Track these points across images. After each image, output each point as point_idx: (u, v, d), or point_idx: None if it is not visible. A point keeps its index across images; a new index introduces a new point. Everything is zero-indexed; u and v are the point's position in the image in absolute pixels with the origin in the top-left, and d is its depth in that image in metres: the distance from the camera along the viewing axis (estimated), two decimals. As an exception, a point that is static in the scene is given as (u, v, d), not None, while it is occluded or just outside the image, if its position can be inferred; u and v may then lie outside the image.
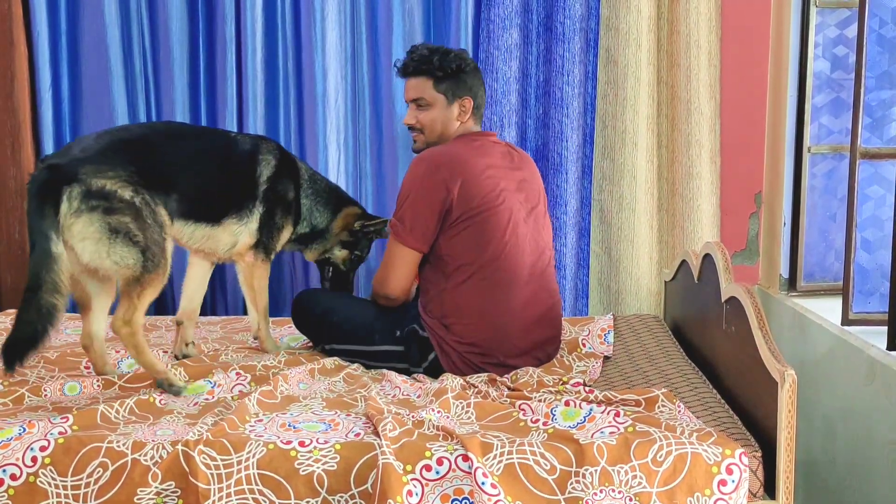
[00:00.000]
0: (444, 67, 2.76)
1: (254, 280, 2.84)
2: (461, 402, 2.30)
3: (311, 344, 2.95)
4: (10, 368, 2.32)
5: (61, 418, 2.14)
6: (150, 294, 2.49)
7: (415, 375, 2.64)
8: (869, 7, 2.79)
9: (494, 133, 2.92)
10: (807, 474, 2.92)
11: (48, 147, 3.47)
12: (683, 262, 3.01)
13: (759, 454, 2.05)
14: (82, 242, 2.38)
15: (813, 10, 3.25)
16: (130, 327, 2.45)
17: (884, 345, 2.51)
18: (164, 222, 2.52)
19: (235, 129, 3.47)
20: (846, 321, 2.81)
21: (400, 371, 2.67)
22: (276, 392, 2.39)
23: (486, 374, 2.60)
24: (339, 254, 3.05)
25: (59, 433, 2.07)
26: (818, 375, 2.87)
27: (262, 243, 2.82)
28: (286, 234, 2.91)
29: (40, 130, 3.48)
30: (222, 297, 3.61)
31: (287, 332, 3.12)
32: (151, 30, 3.49)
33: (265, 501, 1.96)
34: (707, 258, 2.66)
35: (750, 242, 3.65)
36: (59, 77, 3.48)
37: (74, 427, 2.11)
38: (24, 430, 2.09)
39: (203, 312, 3.55)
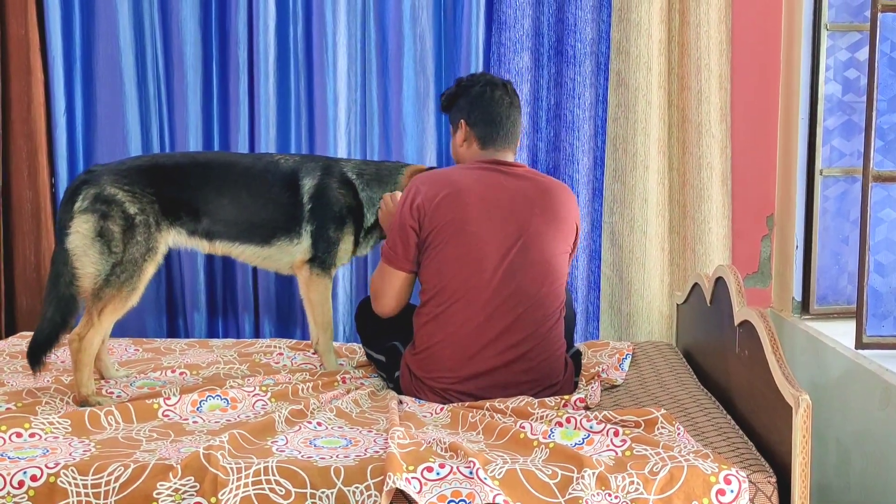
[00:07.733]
0: (444, 95, 2.80)
1: (310, 293, 2.94)
2: (472, 432, 2.31)
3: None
4: (35, 367, 2.61)
5: (82, 443, 2.19)
6: (111, 313, 2.64)
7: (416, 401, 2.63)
8: (880, 30, 2.79)
9: (506, 159, 2.66)
10: (821, 499, 2.90)
11: (62, 171, 3.50)
12: (696, 285, 3.00)
13: (773, 479, 2.04)
14: (74, 234, 2.62)
15: (824, 34, 3.26)
16: (80, 343, 2.60)
17: (898, 369, 2.50)
18: (157, 248, 2.70)
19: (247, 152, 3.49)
20: (860, 344, 2.79)
21: (383, 381, 2.81)
22: (306, 411, 2.42)
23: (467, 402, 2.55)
24: None
25: (84, 451, 2.13)
26: (832, 399, 2.85)
27: (318, 258, 2.90)
28: (347, 245, 2.94)
29: (55, 155, 3.50)
30: (234, 321, 3.61)
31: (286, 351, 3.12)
32: (165, 55, 3.51)
33: (282, 490, 1.99)
34: (719, 281, 2.65)
35: (762, 265, 3.64)
36: (73, 102, 3.51)
37: (98, 447, 2.16)
38: (48, 451, 2.13)
39: (215, 335, 3.59)
